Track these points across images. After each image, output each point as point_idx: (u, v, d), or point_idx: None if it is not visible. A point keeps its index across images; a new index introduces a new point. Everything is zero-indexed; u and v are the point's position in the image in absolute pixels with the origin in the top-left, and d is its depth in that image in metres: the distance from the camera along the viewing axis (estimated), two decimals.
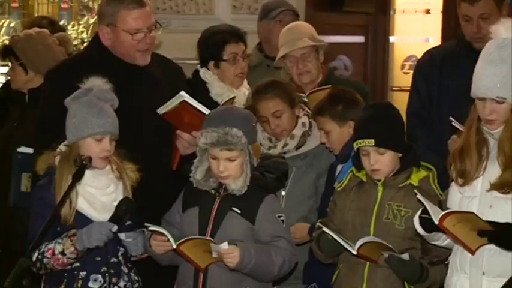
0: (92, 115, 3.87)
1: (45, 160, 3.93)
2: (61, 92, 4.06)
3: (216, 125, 3.87)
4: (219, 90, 4.77)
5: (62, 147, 3.93)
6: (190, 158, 4.06)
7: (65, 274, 3.87)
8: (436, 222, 3.41)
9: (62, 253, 3.79)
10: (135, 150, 4.03)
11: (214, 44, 4.84)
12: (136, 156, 4.02)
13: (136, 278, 3.98)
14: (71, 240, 3.77)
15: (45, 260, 3.80)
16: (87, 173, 3.85)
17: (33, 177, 4.25)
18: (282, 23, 5.73)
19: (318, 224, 3.96)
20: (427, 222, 3.53)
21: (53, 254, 3.79)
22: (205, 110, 4.14)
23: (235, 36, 4.86)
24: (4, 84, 5.83)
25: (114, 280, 3.89)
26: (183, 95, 4.19)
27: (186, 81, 4.73)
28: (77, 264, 3.85)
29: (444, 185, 3.82)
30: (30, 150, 4.80)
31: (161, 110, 4.26)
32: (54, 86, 4.37)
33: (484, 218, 3.45)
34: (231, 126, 3.85)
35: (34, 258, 3.77)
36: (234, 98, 4.71)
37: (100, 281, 3.86)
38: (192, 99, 4.19)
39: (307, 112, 4.64)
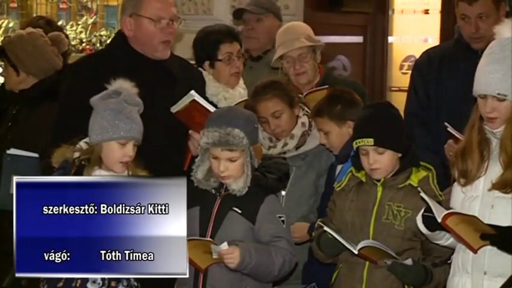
0: (120, 119, 3.84)
1: (62, 153, 3.90)
2: (80, 86, 4.09)
3: (218, 125, 3.87)
4: (214, 90, 4.76)
5: (82, 144, 3.91)
6: None
7: None
8: (439, 220, 3.41)
9: None
10: (147, 147, 3.99)
11: (209, 44, 4.84)
12: (147, 154, 3.97)
13: (135, 283, 3.95)
14: None
15: None
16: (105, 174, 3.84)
17: (46, 170, 4.20)
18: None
19: (318, 223, 3.97)
20: (430, 220, 3.53)
21: None
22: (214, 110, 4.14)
23: (230, 35, 4.86)
24: (3, 84, 5.82)
25: (113, 284, 3.86)
26: (193, 94, 4.19)
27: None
28: None
29: (441, 185, 3.83)
30: (20, 152, 4.78)
31: (174, 109, 4.26)
32: (74, 80, 4.35)
33: (486, 218, 3.46)
34: (233, 127, 3.85)
35: None
36: (246, 100, 4.72)
37: (99, 283, 3.83)
38: (201, 98, 4.20)
39: (307, 112, 4.64)
